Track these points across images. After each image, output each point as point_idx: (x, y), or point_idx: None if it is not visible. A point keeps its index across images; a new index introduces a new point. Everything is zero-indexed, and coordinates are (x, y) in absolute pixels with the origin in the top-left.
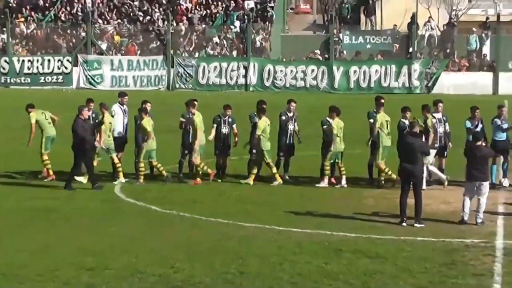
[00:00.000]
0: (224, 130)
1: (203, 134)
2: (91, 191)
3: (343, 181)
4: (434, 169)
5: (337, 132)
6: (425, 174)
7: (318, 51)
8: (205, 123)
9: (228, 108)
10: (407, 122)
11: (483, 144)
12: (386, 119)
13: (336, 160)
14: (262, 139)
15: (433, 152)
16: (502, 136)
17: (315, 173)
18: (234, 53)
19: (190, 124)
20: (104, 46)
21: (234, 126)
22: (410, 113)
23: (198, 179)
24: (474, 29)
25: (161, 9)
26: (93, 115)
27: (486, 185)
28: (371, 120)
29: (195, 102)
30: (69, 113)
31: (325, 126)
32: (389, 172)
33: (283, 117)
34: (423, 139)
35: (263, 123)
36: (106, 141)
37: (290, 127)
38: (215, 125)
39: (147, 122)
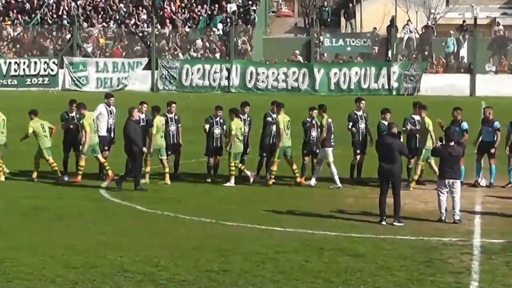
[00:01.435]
0: (217, 130)
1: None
2: (78, 190)
3: (298, 179)
4: (334, 170)
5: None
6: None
7: (299, 53)
8: (189, 124)
9: (219, 109)
10: (386, 123)
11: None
12: (287, 119)
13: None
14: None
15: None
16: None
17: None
18: (217, 55)
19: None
20: (89, 48)
21: (225, 127)
22: (389, 115)
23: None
24: (451, 32)
25: (145, 12)
26: (77, 115)
27: (459, 183)
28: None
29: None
30: (55, 114)
31: (268, 118)
32: (272, 175)
33: (269, 118)
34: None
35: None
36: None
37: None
38: (207, 125)
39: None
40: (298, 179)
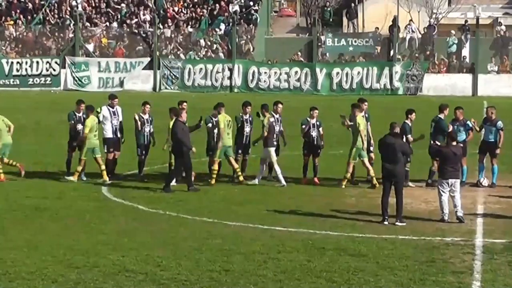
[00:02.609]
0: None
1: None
2: (79, 190)
3: (241, 178)
4: (278, 169)
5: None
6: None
7: (301, 53)
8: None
9: (221, 106)
10: (410, 124)
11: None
12: (228, 119)
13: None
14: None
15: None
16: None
17: (299, 173)
18: (220, 55)
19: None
20: (91, 48)
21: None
22: (414, 115)
23: None
24: (453, 31)
25: (147, 12)
26: (84, 116)
27: (458, 182)
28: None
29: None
30: (57, 114)
31: (209, 125)
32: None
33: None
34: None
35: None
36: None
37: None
38: (209, 125)
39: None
40: (241, 178)
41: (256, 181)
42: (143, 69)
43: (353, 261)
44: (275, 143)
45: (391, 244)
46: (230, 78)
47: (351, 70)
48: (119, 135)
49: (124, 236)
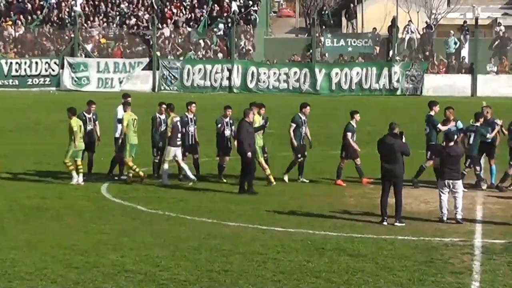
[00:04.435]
0: (227, 132)
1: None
2: (79, 190)
3: (141, 173)
4: (185, 166)
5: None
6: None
7: (300, 54)
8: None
9: (228, 108)
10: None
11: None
12: (133, 117)
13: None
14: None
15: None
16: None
17: (294, 174)
18: (219, 55)
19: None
20: (90, 48)
21: (233, 127)
22: (438, 107)
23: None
24: (452, 32)
25: (146, 12)
26: (94, 116)
27: (459, 183)
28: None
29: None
30: (57, 114)
31: (219, 125)
32: (137, 169)
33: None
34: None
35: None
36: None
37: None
38: (219, 125)
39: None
40: (141, 173)
41: (165, 180)
42: (142, 69)
43: (352, 262)
44: (178, 143)
45: (390, 244)
46: (229, 78)
47: (350, 71)
48: None
49: (124, 236)
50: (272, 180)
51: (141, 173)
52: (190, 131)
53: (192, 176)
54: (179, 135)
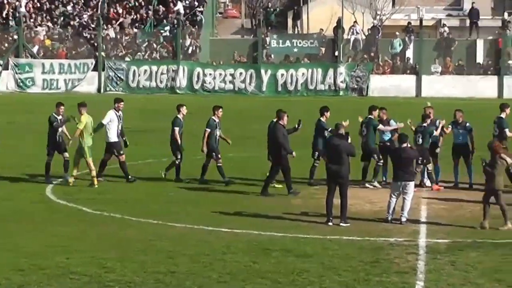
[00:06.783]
0: (218, 132)
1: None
2: (25, 192)
3: (96, 180)
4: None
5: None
6: None
7: (246, 55)
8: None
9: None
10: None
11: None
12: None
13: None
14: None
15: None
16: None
17: (243, 173)
18: (164, 56)
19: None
20: (35, 49)
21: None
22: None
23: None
24: (397, 33)
25: (92, 13)
26: (62, 119)
27: (411, 185)
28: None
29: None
30: (2, 116)
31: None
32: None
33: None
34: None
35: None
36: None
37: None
38: (209, 129)
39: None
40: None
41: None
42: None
43: (298, 262)
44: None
45: (336, 244)
46: (174, 79)
47: (296, 71)
48: (124, 138)
49: (70, 238)
50: (96, 182)
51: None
52: (217, 135)
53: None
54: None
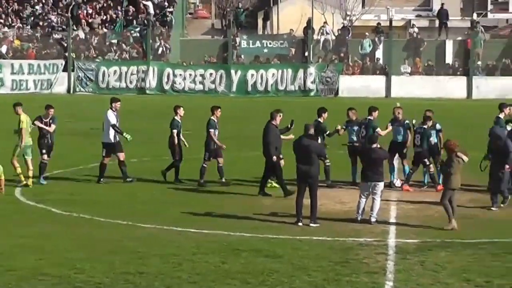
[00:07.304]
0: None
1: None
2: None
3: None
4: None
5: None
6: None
7: (216, 55)
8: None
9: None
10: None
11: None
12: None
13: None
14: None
15: None
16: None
17: (213, 174)
18: (134, 57)
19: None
20: (4, 49)
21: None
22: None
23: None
24: (367, 33)
25: (61, 14)
26: (51, 120)
27: (380, 185)
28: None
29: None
30: None
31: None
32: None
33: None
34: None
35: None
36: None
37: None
38: (212, 130)
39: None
40: (22, 177)
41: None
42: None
43: (268, 262)
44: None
45: (306, 245)
46: (144, 80)
47: (266, 72)
48: (117, 139)
49: (40, 239)
50: (30, 183)
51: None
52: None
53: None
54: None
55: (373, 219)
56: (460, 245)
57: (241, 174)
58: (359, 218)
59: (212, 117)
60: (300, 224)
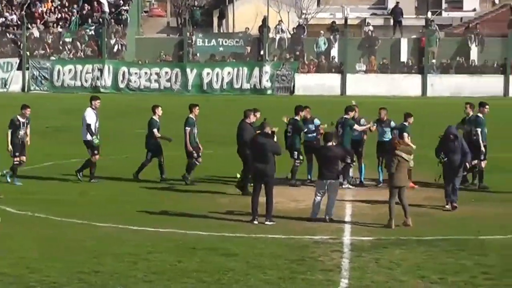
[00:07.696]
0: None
1: None
2: None
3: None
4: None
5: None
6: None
7: (171, 54)
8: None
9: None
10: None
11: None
12: None
13: None
14: None
15: None
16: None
17: (172, 172)
18: (89, 55)
19: None
20: None
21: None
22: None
23: None
24: (322, 32)
25: (16, 11)
26: (27, 121)
27: (336, 183)
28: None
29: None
30: None
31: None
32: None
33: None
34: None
35: None
36: None
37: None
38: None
39: None
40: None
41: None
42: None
43: (223, 261)
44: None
45: (261, 243)
46: (99, 78)
47: (221, 70)
48: (98, 137)
49: None
50: None
51: None
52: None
53: None
54: None
55: (327, 217)
56: (415, 242)
57: (197, 172)
58: (314, 216)
59: (190, 115)
60: (255, 222)
